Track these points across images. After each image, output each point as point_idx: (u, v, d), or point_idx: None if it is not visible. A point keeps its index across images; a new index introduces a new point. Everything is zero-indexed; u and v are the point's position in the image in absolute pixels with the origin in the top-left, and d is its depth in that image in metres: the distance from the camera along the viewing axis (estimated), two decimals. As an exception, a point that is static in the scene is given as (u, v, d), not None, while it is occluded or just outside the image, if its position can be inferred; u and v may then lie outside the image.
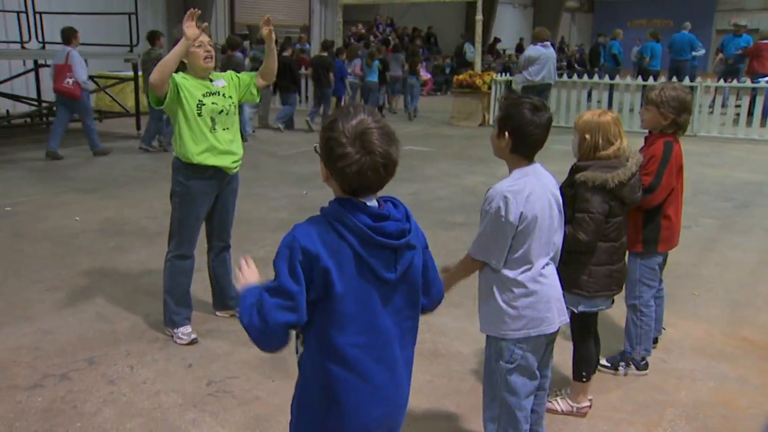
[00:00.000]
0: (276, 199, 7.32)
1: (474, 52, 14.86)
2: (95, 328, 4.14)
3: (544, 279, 2.57)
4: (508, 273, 2.53)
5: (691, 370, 3.75)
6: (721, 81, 12.95)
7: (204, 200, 3.93)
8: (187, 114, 3.76)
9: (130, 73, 11.90)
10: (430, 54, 22.79)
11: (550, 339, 2.69)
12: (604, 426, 3.21)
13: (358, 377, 1.81)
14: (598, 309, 3.19)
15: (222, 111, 3.84)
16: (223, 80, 3.92)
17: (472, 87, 13.38)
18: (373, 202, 1.78)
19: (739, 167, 9.66)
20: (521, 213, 2.45)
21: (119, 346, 3.91)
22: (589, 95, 13.49)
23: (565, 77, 13.91)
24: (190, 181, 3.84)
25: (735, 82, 12.49)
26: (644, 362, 3.67)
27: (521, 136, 2.50)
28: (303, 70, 14.39)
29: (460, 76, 13.87)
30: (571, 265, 3.07)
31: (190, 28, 3.58)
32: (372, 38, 20.18)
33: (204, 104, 3.78)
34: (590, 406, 3.29)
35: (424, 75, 19.14)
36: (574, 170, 3.09)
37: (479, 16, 13.46)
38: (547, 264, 2.59)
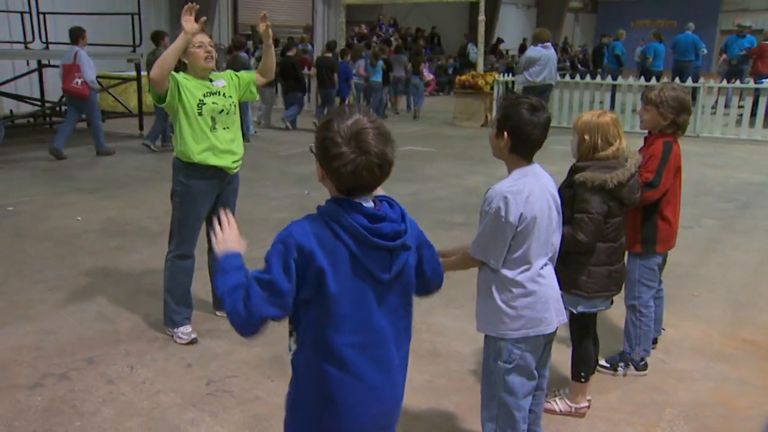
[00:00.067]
0: (277, 199, 7.33)
1: (477, 53, 14.85)
2: (96, 327, 4.15)
3: (543, 279, 2.57)
4: (507, 273, 2.53)
5: (690, 370, 3.75)
6: (724, 81, 12.92)
7: (204, 200, 3.94)
8: (188, 113, 3.76)
9: (133, 74, 11.93)
10: (433, 54, 22.79)
11: (548, 339, 2.69)
12: (602, 426, 3.21)
13: (354, 377, 1.82)
14: (597, 309, 3.19)
15: (222, 110, 3.85)
16: (223, 80, 3.93)
17: (474, 87, 13.37)
18: (369, 203, 1.79)
19: (741, 168, 9.64)
20: (521, 213, 2.45)
21: (119, 345, 3.92)
22: (599, 97, 13.44)
23: (567, 78, 13.89)
24: (190, 180, 3.85)
25: (738, 83, 12.47)
26: (643, 363, 3.67)
27: (520, 136, 2.51)
28: (306, 71, 14.41)
29: (463, 77, 13.86)
30: (570, 266, 3.07)
31: (188, 22, 3.59)
32: (375, 38, 20.20)
33: (205, 104, 3.79)
34: (589, 407, 3.29)
35: (427, 75, 19.14)
36: (573, 171, 3.09)
37: (482, 17, 13.45)
38: (545, 264, 2.60)
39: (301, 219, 1.79)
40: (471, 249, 2.56)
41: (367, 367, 1.83)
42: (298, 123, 13.01)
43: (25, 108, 12.48)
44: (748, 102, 12.22)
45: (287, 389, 1.96)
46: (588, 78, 13.53)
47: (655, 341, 3.90)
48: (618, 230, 3.14)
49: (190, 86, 3.78)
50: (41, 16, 12.04)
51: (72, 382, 3.50)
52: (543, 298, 2.56)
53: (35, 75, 12.38)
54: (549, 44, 11.65)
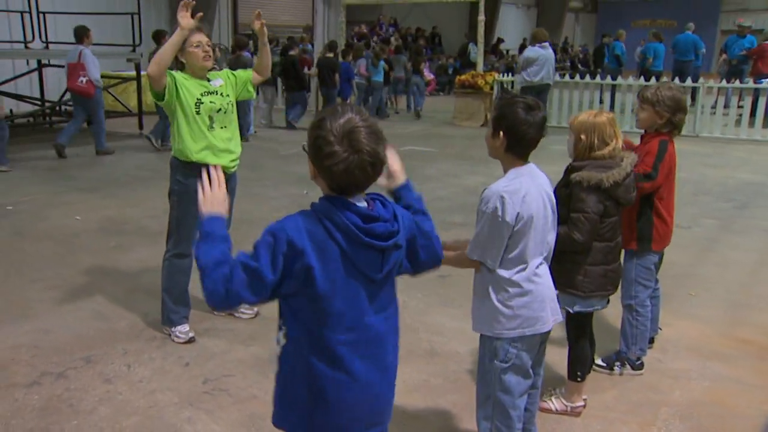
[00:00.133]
0: (276, 198, 7.35)
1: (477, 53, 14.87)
2: (93, 326, 4.16)
3: (539, 278, 2.58)
4: (504, 273, 2.53)
5: (686, 370, 3.75)
6: (723, 81, 12.92)
7: (202, 199, 3.94)
8: (186, 112, 3.77)
9: (133, 73, 11.94)
10: (434, 54, 22.80)
11: (543, 338, 2.69)
12: (597, 425, 3.22)
13: (346, 374, 1.83)
14: (593, 309, 3.20)
15: (220, 110, 3.86)
16: (220, 79, 3.94)
17: (474, 87, 13.38)
18: (362, 203, 1.80)
19: (741, 168, 9.65)
20: (518, 213, 2.45)
21: (117, 344, 3.93)
22: (598, 97, 13.45)
23: (567, 78, 13.89)
24: (188, 179, 3.86)
25: (737, 83, 12.47)
26: (640, 362, 3.67)
27: (516, 136, 2.51)
28: (306, 71, 14.42)
29: (463, 77, 13.88)
30: (567, 265, 3.08)
31: (184, 18, 3.59)
32: (375, 38, 20.22)
33: (202, 103, 3.79)
34: (584, 406, 3.29)
35: (428, 75, 19.15)
36: (570, 170, 3.10)
37: (482, 17, 13.46)
38: (540, 263, 2.60)
39: (296, 214, 1.79)
40: (468, 249, 2.56)
41: (360, 364, 1.84)
42: (299, 122, 13.02)
43: (25, 107, 12.49)
44: (748, 102, 12.22)
45: (274, 382, 1.97)
46: (588, 78, 13.52)
47: (651, 341, 3.90)
48: (614, 230, 3.14)
49: (188, 85, 3.78)
50: (41, 16, 12.06)
51: (69, 380, 3.51)
52: (539, 297, 2.57)
53: (35, 74, 12.39)
54: (547, 44, 11.70)
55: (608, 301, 3.24)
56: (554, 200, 2.64)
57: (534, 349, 2.65)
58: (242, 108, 11.01)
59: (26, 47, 12.12)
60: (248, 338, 4.02)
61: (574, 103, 13.11)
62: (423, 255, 2.00)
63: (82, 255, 5.48)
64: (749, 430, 3.22)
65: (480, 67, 14.20)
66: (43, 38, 12.08)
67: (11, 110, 12.56)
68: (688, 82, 12.86)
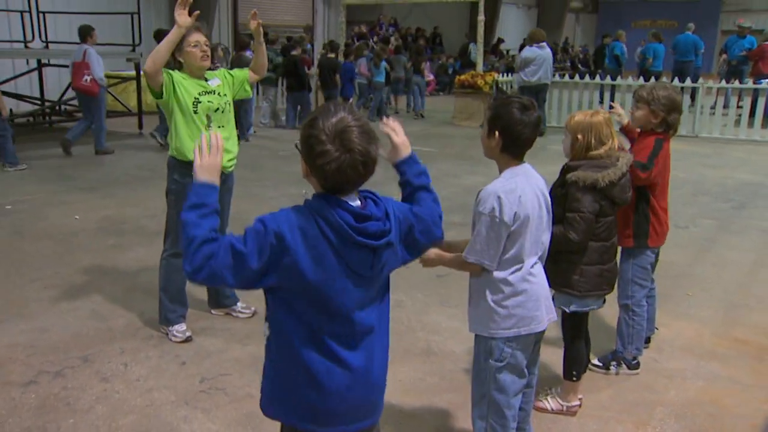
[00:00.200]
0: (275, 198, 7.35)
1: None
2: (91, 325, 4.17)
3: (533, 278, 2.58)
4: (499, 273, 2.53)
5: (681, 369, 3.76)
6: (723, 82, 12.92)
7: (199, 199, 3.94)
8: (184, 111, 3.78)
9: (133, 73, 11.95)
10: (434, 54, 22.80)
11: (538, 337, 2.70)
12: (593, 425, 3.22)
13: (338, 364, 1.84)
14: (589, 309, 3.20)
15: (218, 109, 3.87)
16: (217, 79, 3.94)
17: (473, 87, 13.38)
18: (356, 201, 1.80)
19: (739, 168, 9.65)
20: (515, 213, 2.45)
21: (114, 343, 3.94)
22: (600, 96, 13.44)
23: (566, 78, 13.89)
24: (185, 179, 3.86)
25: (736, 83, 12.47)
26: (635, 362, 3.68)
27: (511, 136, 2.51)
28: (306, 71, 14.44)
29: (462, 77, 13.87)
30: (562, 265, 3.09)
31: (181, 15, 3.59)
32: (375, 38, 20.21)
33: (200, 102, 3.80)
34: (580, 405, 3.30)
35: (428, 75, 19.14)
36: (565, 170, 3.11)
37: (481, 17, 13.46)
38: (535, 263, 2.61)
39: (289, 210, 1.80)
40: (465, 252, 2.53)
41: (351, 354, 1.85)
42: (299, 122, 13.03)
43: (25, 107, 12.50)
44: (747, 102, 12.22)
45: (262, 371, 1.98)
46: (587, 78, 13.51)
47: (647, 340, 3.91)
48: (610, 229, 3.15)
49: (186, 85, 3.79)
50: (41, 16, 12.07)
51: (66, 379, 3.52)
52: (534, 296, 2.57)
53: (35, 74, 12.40)
54: (544, 44, 11.73)
55: (604, 301, 3.25)
56: (549, 200, 2.65)
57: (529, 348, 2.65)
58: (243, 108, 11.05)
59: (26, 47, 12.12)
60: (245, 337, 4.02)
61: (574, 103, 13.11)
62: (423, 239, 1.99)
63: (81, 254, 5.48)
64: (744, 430, 3.22)
65: (480, 67, 14.20)
66: (43, 38, 12.09)
67: (11, 110, 12.57)
68: (688, 82, 12.84)
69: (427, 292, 4.79)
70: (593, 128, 3.08)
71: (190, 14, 3.61)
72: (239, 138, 10.79)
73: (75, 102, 11.99)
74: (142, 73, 10.85)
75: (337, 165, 1.71)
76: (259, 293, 1.89)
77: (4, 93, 11.87)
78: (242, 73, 4.07)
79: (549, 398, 3.33)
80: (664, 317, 4.29)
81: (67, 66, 12.13)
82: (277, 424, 2.02)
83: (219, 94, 3.90)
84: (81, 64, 9.44)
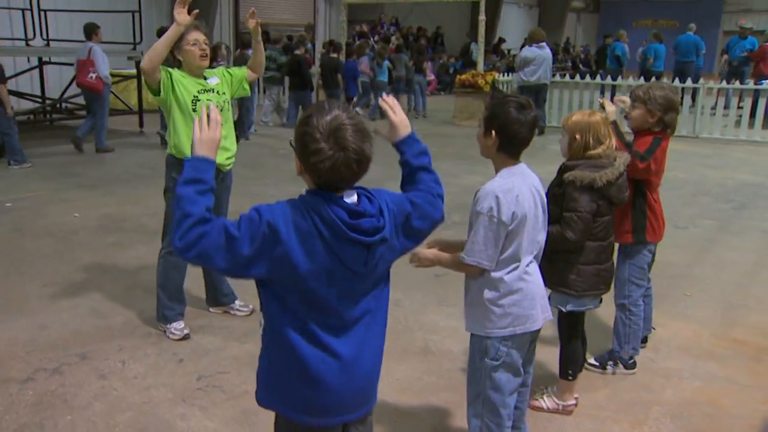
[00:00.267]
0: (275, 197, 7.26)
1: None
2: (89, 323, 4.18)
3: (529, 277, 2.59)
4: (496, 273, 2.53)
5: (678, 369, 3.76)
6: (723, 82, 12.91)
7: (198, 197, 3.95)
8: (183, 109, 3.78)
9: (134, 71, 11.96)
10: (435, 54, 22.79)
11: (533, 336, 2.70)
12: (589, 424, 3.23)
13: (329, 354, 1.85)
14: (586, 308, 3.21)
15: (216, 107, 3.86)
16: (216, 77, 3.95)
17: (474, 87, 13.38)
18: (352, 198, 1.81)
19: (740, 169, 9.64)
20: (513, 212, 2.46)
21: (112, 341, 3.95)
22: (598, 97, 13.45)
23: (567, 78, 13.89)
24: (184, 177, 3.87)
25: (737, 84, 12.46)
26: (632, 361, 3.69)
27: (507, 135, 2.52)
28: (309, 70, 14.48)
29: (463, 76, 13.88)
30: (559, 264, 3.09)
31: (180, 14, 3.60)
32: (377, 37, 20.21)
33: (199, 100, 3.81)
34: (576, 404, 3.31)
35: (429, 75, 19.15)
36: (563, 170, 3.11)
37: (482, 16, 13.46)
38: (531, 262, 2.61)
39: (285, 203, 1.80)
40: (464, 254, 2.52)
41: (345, 346, 1.86)
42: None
43: (26, 105, 12.51)
44: (748, 103, 12.21)
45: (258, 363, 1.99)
46: (588, 78, 13.51)
47: (644, 340, 3.92)
48: (607, 229, 3.15)
49: (185, 83, 3.80)
50: (42, 13, 12.08)
51: (64, 376, 3.53)
52: (530, 295, 2.58)
53: (36, 72, 12.41)
54: (544, 44, 11.74)
55: (601, 301, 3.26)
56: (545, 199, 2.66)
57: (524, 347, 2.66)
58: (245, 106, 11.06)
59: (27, 44, 12.12)
60: (243, 335, 4.03)
61: (574, 103, 13.10)
62: (423, 225, 1.98)
63: (81, 252, 5.50)
64: (741, 430, 3.23)
65: (480, 66, 14.20)
66: (44, 36, 12.10)
67: (12, 107, 12.59)
68: (688, 82, 12.84)
69: (425, 291, 4.80)
70: (591, 128, 3.09)
71: (189, 13, 3.61)
72: (240, 136, 10.82)
73: (76, 100, 12.02)
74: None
75: (331, 163, 1.71)
76: (255, 290, 1.90)
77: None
78: (241, 72, 4.08)
79: (545, 397, 3.34)
80: (661, 317, 4.29)
81: (68, 64, 12.17)
82: (273, 419, 2.03)
83: (218, 92, 3.91)
84: (86, 61, 9.53)
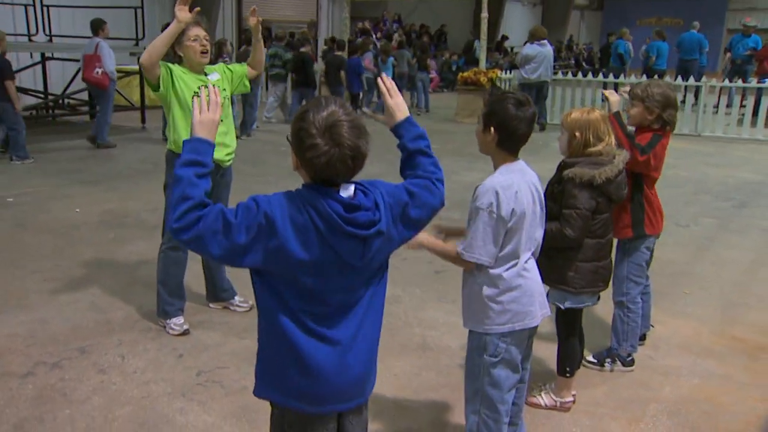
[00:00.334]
0: (276, 193, 7.36)
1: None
2: (89, 318, 4.19)
3: (528, 273, 2.60)
4: (495, 270, 2.54)
5: (677, 367, 3.77)
6: (726, 80, 12.88)
7: (197, 193, 3.96)
8: (183, 104, 3.79)
9: (136, 67, 11.96)
10: (438, 51, 22.77)
11: (531, 332, 2.71)
12: (586, 421, 3.24)
13: (322, 343, 1.85)
14: (584, 305, 3.22)
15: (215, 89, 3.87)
16: (216, 73, 3.96)
17: (476, 84, 13.38)
18: (348, 192, 1.81)
19: (742, 167, 9.63)
20: (512, 209, 2.46)
21: (112, 335, 3.96)
22: (600, 95, 13.43)
23: (569, 75, 13.88)
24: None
25: (740, 82, 12.43)
26: (630, 359, 3.69)
27: (506, 131, 2.52)
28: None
29: (465, 74, 13.87)
30: (558, 261, 3.10)
31: (181, 11, 3.61)
32: (379, 34, 20.20)
33: (199, 96, 3.81)
34: (574, 401, 3.32)
35: (433, 73, 19.13)
36: (562, 167, 3.12)
37: (484, 14, 13.45)
38: (529, 258, 2.62)
39: (283, 196, 1.80)
40: (461, 249, 2.52)
41: (332, 334, 1.86)
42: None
43: (29, 101, 12.53)
44: (751, 101, 12.19)
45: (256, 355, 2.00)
46: (590, 76, 13.50)
47: (642, 337, 3.92)
48: (605, 226, 3.16)
49: (186, 79, 3.81)
50: (45, 9, 12.09)
51: (64, 370, 3.54)
52: (528, 291, 2.58)
53: (39, 67, 12.42)
54: (545, 42, 11.73)
55: (599, 298, 3.26)
56: (543, 196, 2.66)
57: (523, 343, 2.67)
58: (248, 102, 11.06)
59: (30, 40, 12.14)
60: (242, 331, 4.04)
61: (576, 101, 13.09)
62: (421, 214, 1.97)
63: (81, 247, 5.51)
64: (738, 427, 3.23)
65: (483, 64, 14.19)
66: (47, 31, 12.11)
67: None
68: (691, 80, 12.81)
69: (425, 287, 4.80)
70: (591, 125, 3.09)
71: (190, 10, 3.62)
72: (242, 133, 10.83)
73: (79, 96, 12.04)
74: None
75: (327, 159, 1.72)
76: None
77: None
78: (241, 68, 4.09)
79: (543, 394, 3.35)
80: (661, 315, 4.30)
81: (70, 60, 12.20)
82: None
83: (218, 88, 3.91)
84: (93, 56, 9.59)
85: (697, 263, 5.54)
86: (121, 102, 12.65)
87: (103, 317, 4.20)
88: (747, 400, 3.45)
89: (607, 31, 20.62)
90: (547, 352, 3.62)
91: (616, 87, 13.46)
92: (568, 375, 3.27)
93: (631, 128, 3.53)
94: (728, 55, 15.21)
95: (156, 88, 3.72)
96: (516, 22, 27.32)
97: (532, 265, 2.64)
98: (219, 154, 3.90)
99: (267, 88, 13.49)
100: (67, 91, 12.06)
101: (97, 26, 9.77)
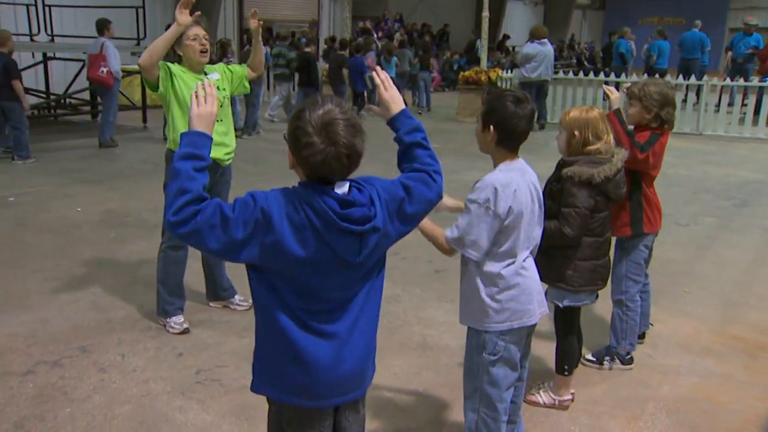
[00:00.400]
0: (277, 193, 7.37)
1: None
2: (90, 317, 4.21)
3: (526, 272, 2.60)
4: (493, 267, 2.55)
5: (676, 365, 3.77)
6: (727, 79, 12.86)
7: (197, 192, 3.97)
8: (181, 103, 3.80)
9: (137, 67, 11.99)
10: (440, 50, 22.77)
11: (530, 330, 2.72)
12: (585, 419, 3.24)
13: (318, 338, 1.86)
14: (582, 303, 3.22)
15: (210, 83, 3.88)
16: (216, 73, 3.97)
17: (477, 83, 13.37)
18: (343, 189, 1.82)
19: (743, 166, 9.62)
20: (509, 207, 2.47)
21: (112, 334, 3.97)
22: (602, 94, 13.41)
23: (570, 74, 13.87)
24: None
25: (741, 81, 12.42)
26: (629, 357, 3.70)
27: (506, 129, 2.53)
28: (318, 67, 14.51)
29: (466, 73, 13.88)
30: (557, 260, 3.11)
31: (182, 14, 3.63)
32: (380, 33, 20.19)
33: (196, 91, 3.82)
34: (572, 400, 3.32)
35: (434, 71, 19.13)
36: (561, 165, 3.12)
37: (485, 13, 13.45)
38: (527, 257, 2.63)
39: (279, 193, 1.81)
40: (448, 235, 2.52)
41: (329, 329, 1.87)
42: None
43: (30, 100, 12.53)
44: (752, 100, 12.17)
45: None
46: (591, 75, 13.49)
47: (642, 336, 3.92)
48: (604, 225, 3.16)
49: (185, 78, 3.82)
50: (47, 9, 12.11)
51: (64, 369, 3.55)
52: (527, 290, 2.59)
53: (40, 67, 12.45)
54: (546, 41, 11.74)
55: (597, 296, 3.27)
56: (542, 196, 2.67)
57: (521, 341, 2.67)
58: (251, 102, 11.06)
59: (32, 40, 12.16)
60: (242, 329, 4.05)
61: (577, 100, 13.08)
62: (418, 208, 1.97)
63: (82, 247, 5.52)
64: (736, 426, 3.24)
65: (484, 63, 14.19)
66: (49, 31, 12.13)
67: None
68: (692, 79, 12.79)
69: (424, 287, 4.81)
70: (590, 124, 3.10)
71: (191, 14, 3.64)
72: (242, 132, 10.83)
73: (80, 95, 12.06)
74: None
75: (322, 157, 1.73)
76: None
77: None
78: (241, 70, 4.11)
79: (541, 392, 3.35)
80: (660, 314, 4.30)
81: (72, 59, 12.22)
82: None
83: (218, 88, 3.92)
84: (98, 56, 9.66)
85: (697, 262, 5.54)
86: (123, 101, 12.67)
87: (103, 316, 4.21)
88: (746, 399, 3.45)
89: (609, 31, 20.56)
90: (545, 350, 3.62)
91: (617, 86, 13.46)
92: (566, 373, 3.27)
93: (630, 127, 3.53)
94: (729, 54, 15.19)
95: (155, 88, 3.73)
96: (518, 21, 27.31)
97: (531, 263, 2.65)
98: (218, 153, 3.91)
99: (269, 88, 13.48)
100: (69, 91, 12.08)
101: (103, 26, 9.84)
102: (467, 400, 2.75)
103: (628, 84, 3.73)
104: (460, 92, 14.13)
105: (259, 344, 1.95)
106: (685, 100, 12.43)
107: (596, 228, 3.12)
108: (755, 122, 12.05)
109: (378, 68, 2.20)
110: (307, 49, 12.84)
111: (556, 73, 12.88)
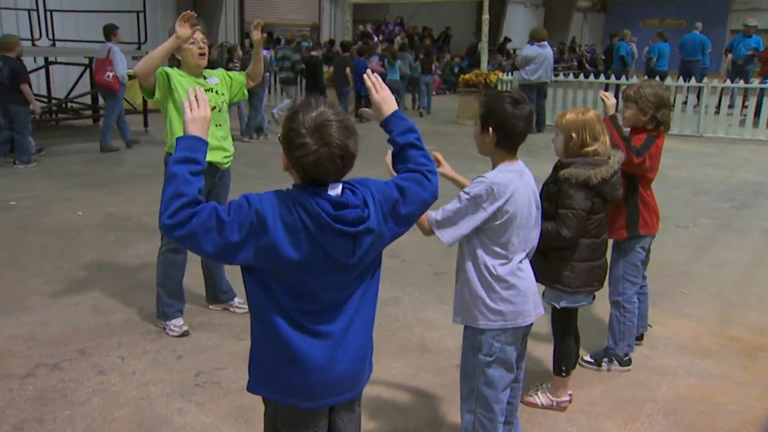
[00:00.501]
0: (277, 196, 7.39)
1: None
2: (90, 320, 4.22)
3: (522, 273, 2.62)
4: (489, 268, 2.56)
5: (674, 366, 3.78)
6: (728, 81, 12.85)
7: (196, 195, 4.00)
8: (179, 107, 3.81)
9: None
10: (440, 54, 22.79)
11: (525, 332, 2.73)
12: (582, 420, 3.25)
13: (313, 339, 1.88)
14: (579, 305, 3.23)
15: (215, 108, 3.90)
16: (215, 77, 3.99)
17: (478, 86, 13.38)
18: (336, 190, 1.83)
19: (743, 168, 9.62)
20: (500, 207, 2.48)
21: (112, 337, 3.99)
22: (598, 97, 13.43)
23: (571, 77, 13.89)
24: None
25: (741, 83, 12.41)
26: (627, 358, 3.70)
27: (505, 131, 2.54)
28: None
29: (467, 76, 13.89)
30: (554, 261, 3.12)
31: (182, 28, 3.66)
32: (381, 37, 20.23)
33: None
34: (570, 401, 3.33)
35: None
36: (558, 167, 3.13)
37: (486, 16, 13.47)
38: (523, 259, 2.64)
39: (273, 195, 1.82)
40: (432, 215, 2.54)
41: (323, 330, 1.88)
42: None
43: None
44: (753, 102, 12.17)
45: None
46: (592, 77, 13.50)
47: (640, 337, 3.93)
48: (601, 226, 3.17)
49: (184, 82, 3.83)
50: (48, 14, 12.16)
51: (64, 372, 3.57)
52: (522, 291, 2.60)
53: (42, 72, 12.49)
54: (545, 43, 11.76)
55: (594, 297, 3.28)
56: (539, 199, 2.69)
57: (517, 342, 2.69)
58: (253, 105, 11.06)
59: (33, 45, 12.21)
60: (242, 332, 4.06)
61: (577, 102, 13.07)
62: (413, 209, 1.98)
63: (83, 250, 5.54)
64: (734, 426, 3.24)
65: (484, 66, 14.20)
66: (50, 36, 12.18)
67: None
68: (692, 81, 12.79)
69: (424, 289, 4.82)
70: (587, 126, 3.11)
71: (192, 26, 3.69)
72: (243, 135, 10.84)
73: (82, 100, 12.10)
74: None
75: (315, 158, 1.75)
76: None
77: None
78: (241, 77, 4.14)
79: (539, 393, 3.36)
80: (659, 315, 4.31)
81: (73, 64, 12.25)
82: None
83: (217, 92, 3.94)
84: (105, 60, 9.77)
85: (696, 264, 5.54)
86: (124, 105, 12.71)
87: (103, 319, 4.23)
88: (744, 399, 3.46)
89: (610, 33, 20.58)
90: (543, 351, 3.63)
91: (617, 88, 13.48)
92: (564, 374, 3.28)
93: (626, 130, 3.55)
94: (729, 56, 15.19)
95: (151, 94, 3.76)
96: (519, 24, 27.31)
97: (527, 265, 2.66)
98: (217, 157, 3.93)
99: (271, 92, 13.51)
100: (71, 95, 12.11)
101: (110, 31, 9.98)
102: (464, 402, 2.76)
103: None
104: (460, 95, 14.15)
105: (255, 345, 1.96)
106: (685, 102, 12.43)
107: (593, 229, 3.13)
108: (756, 124, 12.03)
109: (369, 71, 2.21)
110: (314, 53, 12.89)
111: (556, 75, 12.89)
